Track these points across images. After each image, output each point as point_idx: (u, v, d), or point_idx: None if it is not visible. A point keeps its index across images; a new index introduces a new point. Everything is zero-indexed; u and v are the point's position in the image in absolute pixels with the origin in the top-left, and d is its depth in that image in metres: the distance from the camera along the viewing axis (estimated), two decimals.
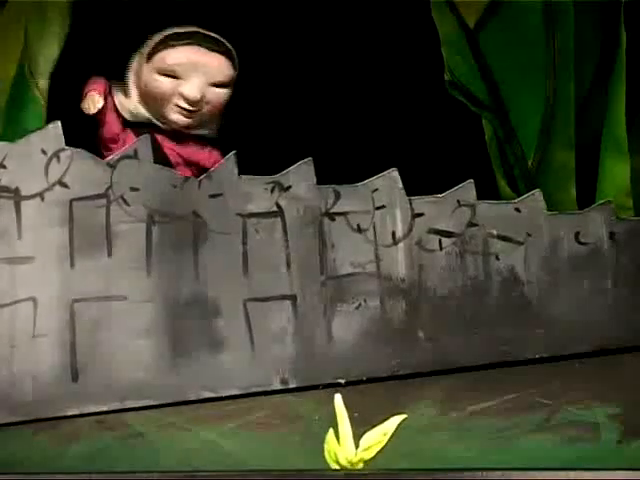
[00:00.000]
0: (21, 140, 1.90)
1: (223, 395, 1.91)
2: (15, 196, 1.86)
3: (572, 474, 1.34)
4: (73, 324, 1.87)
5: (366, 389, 1.94)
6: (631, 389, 1.86)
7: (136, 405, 1.88)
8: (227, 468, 1.58)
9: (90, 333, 1.88)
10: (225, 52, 2.08)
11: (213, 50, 2.07)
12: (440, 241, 2.00)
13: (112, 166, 1.90)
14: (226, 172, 1.94)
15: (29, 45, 2.06)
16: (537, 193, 2.04)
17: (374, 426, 1.42)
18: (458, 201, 2.01)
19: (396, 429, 1.38)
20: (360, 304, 1.97)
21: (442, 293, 2.00)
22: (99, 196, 1.89)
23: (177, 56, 2.06)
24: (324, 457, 1.41)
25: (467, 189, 2.01)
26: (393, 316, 1.98)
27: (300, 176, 1.96)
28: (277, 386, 1.94)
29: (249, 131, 2.23)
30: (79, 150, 1.91)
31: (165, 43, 2.06)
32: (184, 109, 2.08)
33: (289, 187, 1.95)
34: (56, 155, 1.88)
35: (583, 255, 2.05)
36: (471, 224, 2.01)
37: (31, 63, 2.06)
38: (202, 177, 1.94)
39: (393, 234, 1.99)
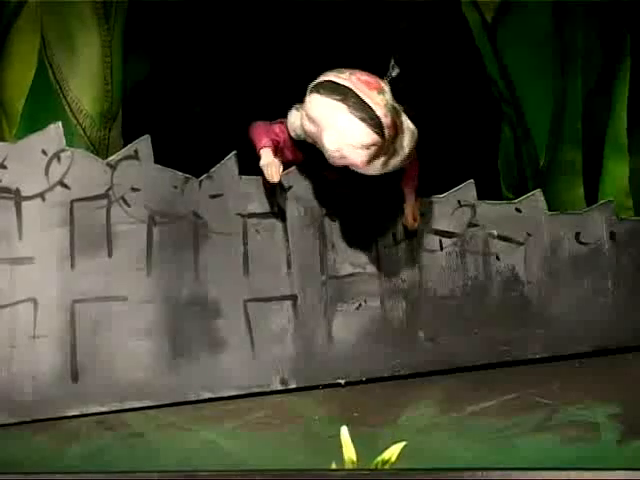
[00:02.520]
0: (22, 141, 1.89)
1: (223, 395, 1.91)
2: (16, 197, 1.86)
3: (572, 474, 1.34)
4: (73, 325, 1.87)
5: (366, 389, 1.94)
6: (631, 389, 1.87)
7: (136, 405, 1.88)
8: (227, 468, 1.58)
9: (90, 334, 1.88)
10: (369, 120, 1.79)
11: (356, 115, 1.79)
12: (441, 241, 2.00)
13: (113, 167, 1.89)
14: (226, 172, 1.94)
15: (48, 46, 2.07)
16: (537, 193, 2.04)
17: (374, 426, 1.42)
18: (459, 201, 2.01)
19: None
20: (360, 304, 1.97)
21: (442, 293, 2.00)
22: (100, 197, 1.89)
23: (320, 107, 1.82)
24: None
25: (468, 189, 2.01)
26: (393, 316, 1.98)
27: (301, 176, 1.96)
28: (277, 386, 1.93)
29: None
30: (80, 150, 1.91)
31: (317, 89, 1.83)
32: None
33: (290, 187, 1.95)
34: (57, 156, 1.87)
35: (583, 255, 2.05)
36: (472, 224, 2.01)
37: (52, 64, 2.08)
38: (202, 177, 1.93)
39: (394, 234, 1.99)
